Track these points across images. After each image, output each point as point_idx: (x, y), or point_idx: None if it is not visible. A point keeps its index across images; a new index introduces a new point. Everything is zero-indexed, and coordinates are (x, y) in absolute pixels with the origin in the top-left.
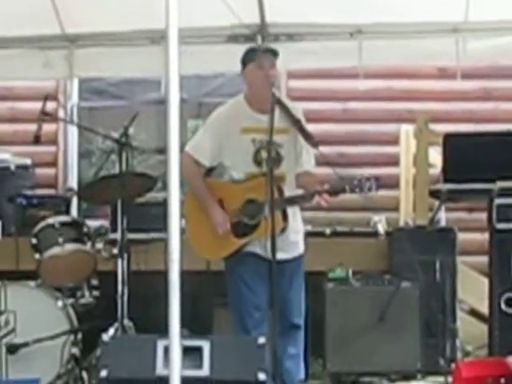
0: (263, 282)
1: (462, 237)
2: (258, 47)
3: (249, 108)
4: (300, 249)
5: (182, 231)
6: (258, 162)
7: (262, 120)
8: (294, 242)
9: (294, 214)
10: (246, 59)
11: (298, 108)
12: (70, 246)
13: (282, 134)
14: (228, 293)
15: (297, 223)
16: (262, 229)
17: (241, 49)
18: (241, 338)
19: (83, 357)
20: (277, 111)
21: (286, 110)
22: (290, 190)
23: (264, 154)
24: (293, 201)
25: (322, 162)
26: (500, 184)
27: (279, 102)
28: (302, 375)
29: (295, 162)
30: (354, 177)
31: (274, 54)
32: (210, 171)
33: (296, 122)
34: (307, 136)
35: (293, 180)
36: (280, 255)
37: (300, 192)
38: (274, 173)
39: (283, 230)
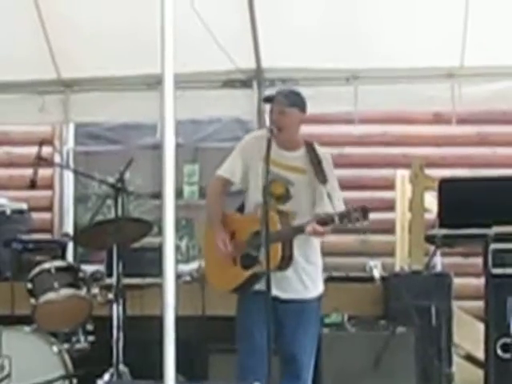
0: (264, 322)
1: (457, 281)
2: (278, 91)
3: (274, 141)
4: (309, 292)
5: (178, 276)
6: (269, 194)
7: (283, 155)
8: (301, 283)
9: (308, 256)
10: (267, 100)
11: (328, 156)
12: (66, 291)
13: (297, 174)
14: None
15: (310, 265)
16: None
17: (237, 94)
18: None
19: None
20: (302, 150)
21: (313, 152)
22: None
23: (274, 188)
24: (284, 234)
25: None
26: (495, 229)
27: (309, 145)
28: None
29: (311, 204)
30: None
31: (282, 100)
32: (243, 207)
33: (316, 163)
34: (321, 178)
35: (304, 220)
36: (279, 294)
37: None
38: (282, 209)
39: (280, 267)
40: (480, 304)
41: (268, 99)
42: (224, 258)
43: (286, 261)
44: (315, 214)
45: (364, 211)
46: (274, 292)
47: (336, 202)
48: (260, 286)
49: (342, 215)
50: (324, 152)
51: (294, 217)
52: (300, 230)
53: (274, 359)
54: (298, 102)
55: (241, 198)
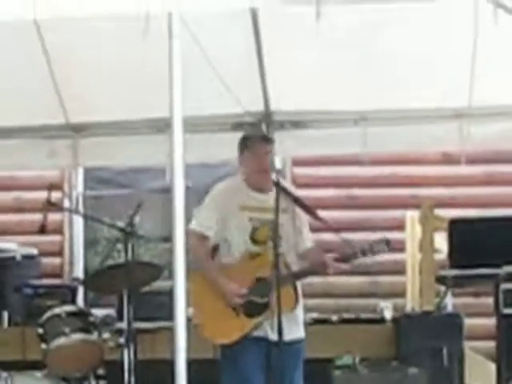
0: (261, 369)
1: (468, 322)
2: (254, 135)
3: (247, 187)
4: (301, 331)
5: (189, 319)
6: (255, 240)
7: (260, 199)
8: (301, 322)
9: None
10: (242, 146)
11: (292, 187)
12: (77, 336)
13: (281, 214)
14: (223, 380)
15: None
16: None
17: None
18: None
19: None
20: (275, 191)
21: (284, 189)
22: (294, 268)
23: (262, 233)
24: (302, 274)
25: (324, 228)
26: (506, 269)
27: (277, 184)
28: None
29: (295, 241)
30: (363, 243)
31: (268, 141)
32: (214, 251)
33: (296, 200)
34: (310, 210)
35: (293, 259)
36: (291, 335)
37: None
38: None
39: (296, 307)
40: (491, 344)
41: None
42: (223, 310)
43: (298, 301)
44: (303, 252)
45: (387, 243)
46: (273, 336)
47: (309, 235)
48: (263, 331)
49: (364, 250)
50: (286, 183)
51: (285, 257)
52: (321, 269)
53: None
54: (270, 140)
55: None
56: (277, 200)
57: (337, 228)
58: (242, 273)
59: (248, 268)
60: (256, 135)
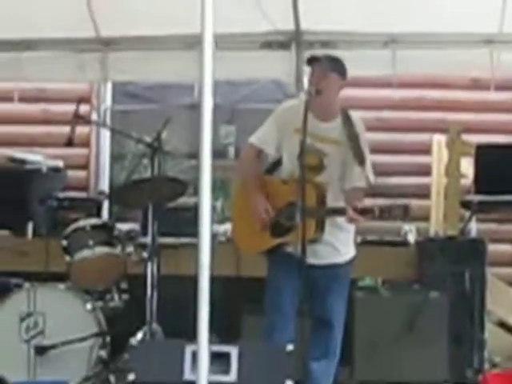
0: (293, 283)
1: (492, 248)
2: (318, 55)
3: (310, 110)
4: (341, 256)
5: (212, 237)
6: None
7: (318, 126)
8: (333, 249)
9: (339, 224)
10: (308, 64)
11: (361, 125)
12: (101, 249)
13: (331, 144)
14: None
15: (342, 232)
16: (296, 233)
17: (275, 55)
18: (269, 345)
19: (111, 360)
20: (338, 120)
21: (349, 123)
22: (334, 202)
23: (308, 159)
24: (327, 213)
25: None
26: None
27: (345, 114)
28: (329, 382)
29: (342, 175)
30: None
31: (322, 64)
32: (274, 167)
33: (353, 137)
34: (357, 154)
35: (338, 192)
36: (312, 260)
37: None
38: (315, 180)
39: (314, 240)
40: None
41: (312, 60)
42: (254, 222)
43: (318, 234)
44: (349, 188)
45: (406, 210)
46: (312, 260)
47: (363, 174)
48: (292, 248)
49: (382, 210)
50: (358, 120)
51: (327, 188)
52: (339, 213)
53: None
54: (339, 67)
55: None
56: (304, 122)
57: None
58: (279, 193)
59: (285, 190)
60: (318, 56)
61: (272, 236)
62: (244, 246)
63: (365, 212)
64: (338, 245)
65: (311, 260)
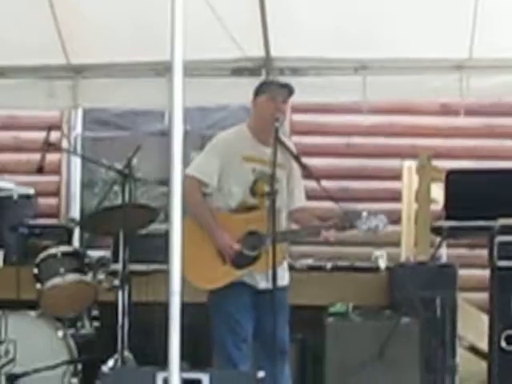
0: (249, 313)
1: (462, 273)
2: (276, 81)
3: (252, 138)
4: (284, 280)
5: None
6: (254, 192)
7: (264, 152)
8: (282, 270)
9: None
10: (260, 90)
11: (293, 145)
12: (72, 277)
13: (279, 169)
14: (213, 326)
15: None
16: (263, 261)
17: (245, 82)
18: (240, 373)
19: None
20: (271, 143)
21: (284, 145)
22: (284, 225)
23: (261, 186)
24: (296, 235)
25: (324, 196)
26: (501, 221)
27: (278, 138)
28: None
29: (288, 197)
30: (361, 213)
31: (290, 91)
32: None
33: (296, 157)
34: (308, 170)
35: (286, 215)
36: (264, 284)
37: (308, 226)
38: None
39: (280, 264)
40: (485, 296)
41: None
42: (210, 256)
43: (282, 258)
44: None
45: (384, 219)
46: (262, 285)
47: (302, 195)
48: (246, 277)
49: (362, 222)
50: (289, 141)
51: (280, 212)
52: (314, 233)
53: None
54: (293, 91)
55: None
56: (274, 154)
57: (333, 196)
58: (234, 224)
59: (242, 220)
60: (278, 82)
61: (235, 268)
62: (199, 281)
63: (344, 228)
64: (283, 266)
65: (267, 285)
